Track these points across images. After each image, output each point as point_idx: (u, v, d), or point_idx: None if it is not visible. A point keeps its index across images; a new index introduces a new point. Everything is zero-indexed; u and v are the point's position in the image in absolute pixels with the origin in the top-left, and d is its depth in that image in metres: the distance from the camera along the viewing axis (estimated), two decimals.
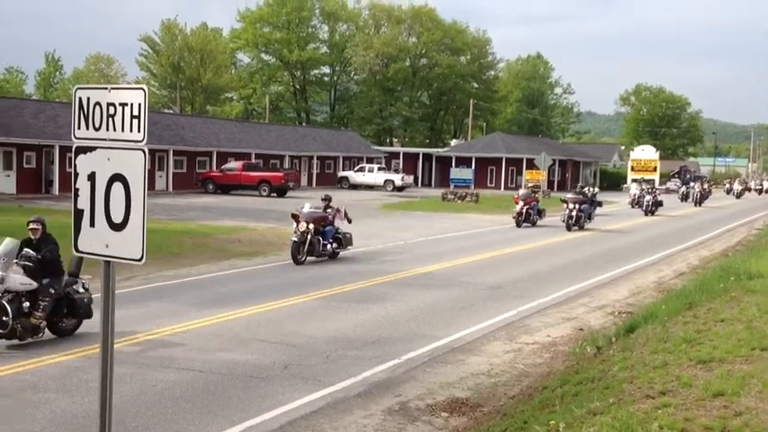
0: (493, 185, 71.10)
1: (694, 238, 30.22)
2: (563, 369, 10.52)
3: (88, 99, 5.21)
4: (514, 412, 8.46)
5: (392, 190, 61.57)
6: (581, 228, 31.65)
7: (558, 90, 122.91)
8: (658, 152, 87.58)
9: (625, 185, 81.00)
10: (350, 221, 22.22)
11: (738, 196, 67.10)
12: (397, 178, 63.81)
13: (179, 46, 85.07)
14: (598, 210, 36.91)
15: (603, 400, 7.44)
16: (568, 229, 31.09)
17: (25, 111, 45.97)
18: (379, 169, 66.39)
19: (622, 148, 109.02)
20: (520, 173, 69.24)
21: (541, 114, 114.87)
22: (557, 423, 6.97)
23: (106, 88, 5.17)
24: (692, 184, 55.39)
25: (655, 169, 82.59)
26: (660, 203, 43.01)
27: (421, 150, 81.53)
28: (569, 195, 33.61)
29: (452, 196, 50.11)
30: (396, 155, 79.49)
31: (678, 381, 7.63)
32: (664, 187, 71.32)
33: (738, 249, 24.85)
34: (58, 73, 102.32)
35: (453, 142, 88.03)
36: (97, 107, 5.16)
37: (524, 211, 32.66)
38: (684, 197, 59.17)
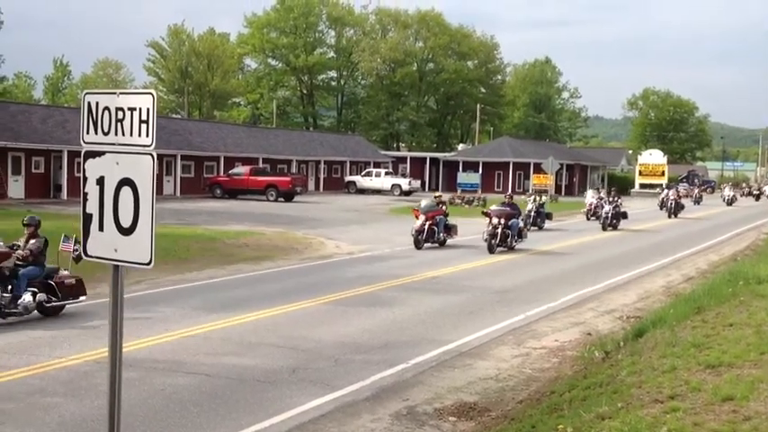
0: (500, 190, 70.85)
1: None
2: (571, 374, 10.50)
3: (97, 104, 5.23)
4: (522, 417, 8.44)
5: (399, 194, 61.56)
6: (509, 248, 24.73)
7: (565, 94, 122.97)
8: (666, 156, 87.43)
9: (633, 190, 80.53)
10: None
11: (730, 203, 61.09)
12: (405, 183, 63.82)
13: (186, 51, 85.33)
14: (547, 223, 33.78)
15: (612, 404, 7.42)
16: (490, 250, 23.99)
17: (33, 116, 46.17)
18: (387, 174, 66.40)
19: (630, 152, 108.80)
20: (527, 177, 69.17)
21: (549, 119, 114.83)
22: (565, 427, 6.96)
23: (115, 93, 5.19)
24: (666, 190, 45.97)
25: (663, 174, 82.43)
26: (623, 215, 35.26)
27: (428, 155, 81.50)
28: (493, 207, 26.66)
29: (459, 201, 50.08)
30: (403, 159, 79.52)
31: (687, 385, 7.60)
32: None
33: (747, 254, 24.76)
34: (66, 78, 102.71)
35: (460, 147, 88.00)
36: (106, 112, 5.18)
37: (426, 227, 25.01)
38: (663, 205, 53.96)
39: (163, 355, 11.03)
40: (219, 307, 14.58)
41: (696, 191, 63.66)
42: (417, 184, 66.53)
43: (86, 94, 5.33)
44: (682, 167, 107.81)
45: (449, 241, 26.30)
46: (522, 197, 35.88)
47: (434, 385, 10.19)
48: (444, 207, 27.18)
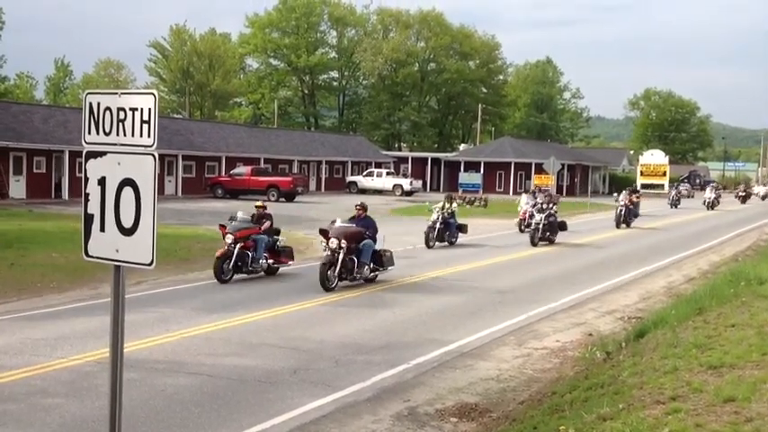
0: (502, 190, 71.04)
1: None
2: (572, 374, 10.49)
3: (98, 104, 5.23)
4: (524, 417, 8.43)
5: (401, 195, 61.57)
6: (364, 279, 17.49)
7: (566, 95, 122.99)
8: (668, 157, 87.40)
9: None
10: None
11: (711, 207, 54.67)
12: (406, 183, 63.83)
13: (188, 51, 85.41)
14: (461, 237, 27.01)
15: (613, 405, 7.41)
16: (324, 285, 16.22)
17: (35, 116, 46.21)
18: (388, 174, 66.41)
19: (631, 152, 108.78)
20: (529, 177, 69.13)
21: (550, 119, 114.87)
22: (566, 428, 6.95)
23: (116, 93, 5.19)
24: (619, 195, 37.55)
25: (664, 174, 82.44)
26: (560, 226, 27.78)
27: (429, 155, 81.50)
28: (338, 223, 17.72)
29: (461, 201, 50.05)
30: (404, 159, 79.54)
31: (688, 386, 7.59)
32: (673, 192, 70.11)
33: (749, 254, 24.73)
34: (67, 78, 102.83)
35: (462, 147, 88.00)
36: (107, 112, 5.18)
37: (234, 250, 17.33)
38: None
39: (164, 356, 11.03)
40: (221, 307, 14.58)
41: (673, 193, 57.84)
42: (419, 184, 66.53)
43: (88, 94, 5.33)
44: (683, 168, 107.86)
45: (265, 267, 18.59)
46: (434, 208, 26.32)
47: (435, 386, 10.18)
48: (265, 223, 19.13)
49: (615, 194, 39.35)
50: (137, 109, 5.08)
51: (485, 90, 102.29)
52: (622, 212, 35.65)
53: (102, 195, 5.24)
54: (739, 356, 8.44)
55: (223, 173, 53.89)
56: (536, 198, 30.33)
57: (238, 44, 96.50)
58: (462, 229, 26.90)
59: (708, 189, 58.75)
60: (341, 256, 16.48)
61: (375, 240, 17.79)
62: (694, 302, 13.10)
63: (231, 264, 17.43)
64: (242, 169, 52.40)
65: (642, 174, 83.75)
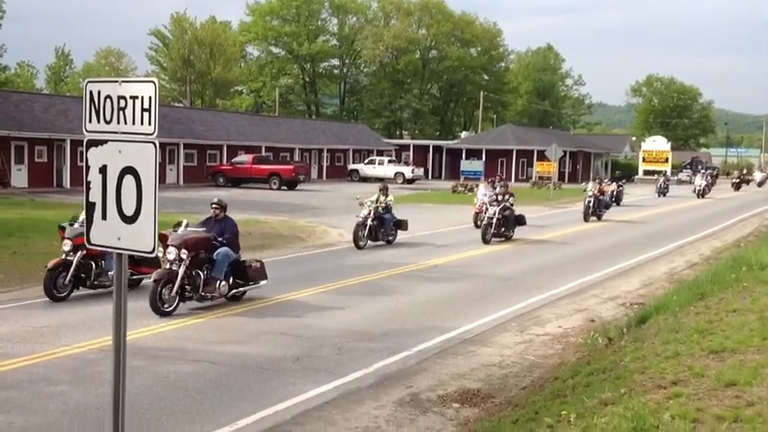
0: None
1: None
2: (574, 360, 10.51)
3: (99, 92, 5.22)
4: (526, 403, 8.46)
5: (402, 182, 61.55)
6: (200, 299, 13.50)
7: (568, 81, 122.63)
8: (670, 143, 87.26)
9: (637, 177, 79.88)
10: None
11: (702, 195, 50.84)
12: (408, 171, 63.79)
13: (189, 39, 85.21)
14: (401, 234, 23.45)
15: (615, 390, 7.43)
16: (156, 308, 12.69)
17: (36, 105, 46.19)
18: (390, 162, 66.38)
19: (634, 139, 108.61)
20: (530, 165, 69.07)
21: (552, 106, 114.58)
22: (568, 413, 6.97)
23: (117, 81, 5.19)
24: (587, 184, 33.95)
25: (666, 160, 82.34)
26: (518, 220, 24.77)
27: (431, 143, 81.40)
28: (180, 229, 14.10)
29: (462, 188, 50.07)
30: (406, 147, 79.45)
31: (690, 371, 7.61)
32: (675, 178, 70.04)
33: (751, 240, 24.73)
34: (68, 67, 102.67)
35: (463, 134, 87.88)
36: (108, 100, 5.17)
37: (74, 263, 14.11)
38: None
39: (167, 343, 11.06)
40: None
41: (660, 180, 53.49)
42: (420, 172, 66.49)
43: (88, 82, 5.32)
44: (685, 154, 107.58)
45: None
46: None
47: (438, 372, 10.21)
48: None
49: (583, 183, 35.87)
50: (137, 97, 5.07)
51: (486, 77, 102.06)
52: (591, 204, 31.77)
53: (103, 183, 5.24)
54: (741, 341, 8.46)
55: (224, 161, 53.86)
56: (495, 188, 26.43)
57: (239, 32, 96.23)
58: (401, 225, 23.20)
59: (698, 176, 54.46)
60: (181, 271, 12.97)
61: (237, 247, 14.19)
62: (696, 288, 13.10)
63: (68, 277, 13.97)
64: (243, 158, 52.38)
65: (644, 160, 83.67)
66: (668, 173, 59.90)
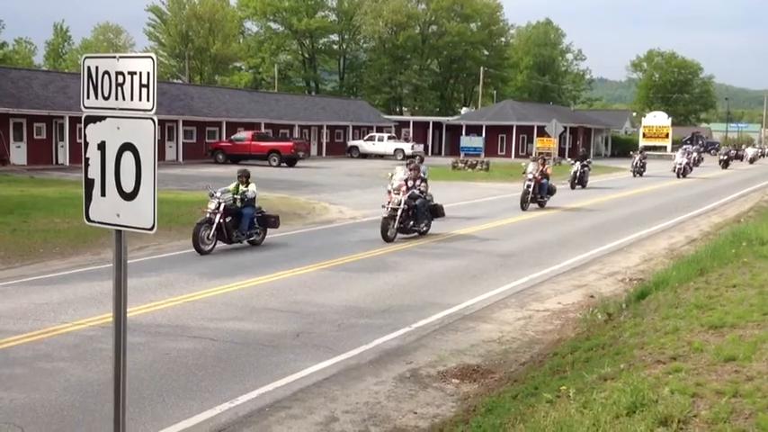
0: (503, 153, 70.87)
1: None
2: (574, 336, 10.54)
3: (97, 68, 5.18)
4: (525, 378, 8.49)
5: (402, 159, 61.39)
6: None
7: (569, 56, 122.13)
8: (670, 118, 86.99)
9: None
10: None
11: (683, 174, 45.89)
12: (407, 147, 63.63)
13: (187, 15, 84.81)
14: (271, 233, 18.86)
15: (614, 365, 7.46)
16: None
17: (34, 81, 45.98)
18: (389, 138, 66.22)
19: (634, 114, 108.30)
20: (531, 141, 68.86)
21: (552, 81, 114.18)
22: (567, 389, 7.00)
23: (114, 57, 5.15)
24: (529, 164, 28.05)
25: (667, 136, 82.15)
26: (435, 212, 20.69)
27: (431, 119, 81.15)
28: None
29: (463, 165, 49.98)
30: (405, 123, 79.24)
31: (689, 346, 7.63)
32: (674, 154, 69.27)
33: (751, 215, 24.73)
34: (66, 43, 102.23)
35: (463, 110, 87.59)
36: (106, 76, 5.14)
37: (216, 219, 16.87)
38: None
39: (167, 320, 11.09)
40: (223, 272, 14.63)
41: (636, 158, 47.83)
42: (420, 148, 66.30)
43: (86, 58, 5.27)
44: (686, 129, 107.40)
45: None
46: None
47: (438, 348, 10.24)
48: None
49: (523, 162, 28.93)
50: (135, 73, 5.03)
51: (486, 53, 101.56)
52: (530, 189, 26.72)
53: (102, 160, 5.21)
54: (740, 316, 8.47)
55: (224, 138, 53.74)
56: (409, 166, 22.02)
57: (237, 7, 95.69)
58: (269, 222, 18.55)
59: (678, 153, 48.43)
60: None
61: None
62: (696, 263, 13.12)
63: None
64: (243, 134, 52.23)
65: (645, 136, 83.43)
66: (642, 149, 52.36)
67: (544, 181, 27.04)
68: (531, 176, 26.91)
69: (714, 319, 8.51)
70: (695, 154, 55.88)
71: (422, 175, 20.65)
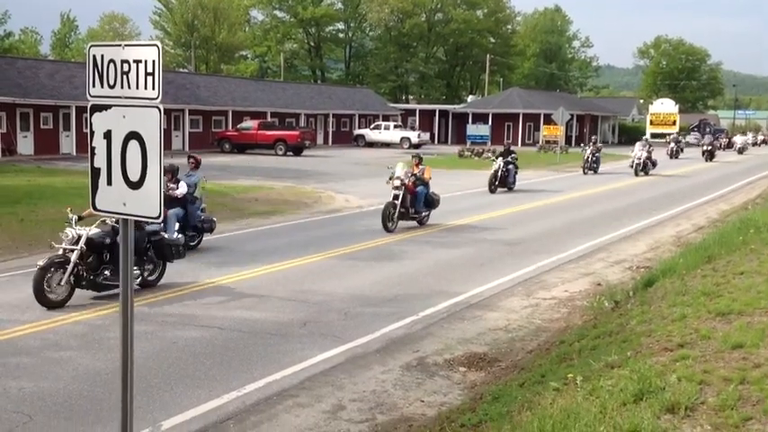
0: (510, 142, 70.64)
1: None
2: (580, 323, 10.54)
3: (102, 56, 5.17)
4: (532, 366, 8.49)
5: (408, 147, 61.26)
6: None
7: (576, 44, 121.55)
8: (678, 105, 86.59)
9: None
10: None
11: (643, 170, 37.66)
12: (414, 135, 63.49)
13: (192, 4, 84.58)
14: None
15: (621, 353, 7.45)
16: None
17: (41, 71, 45.96)
18: (395, 127, 66.05)
19: (641, 101, 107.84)
20: (537, 128, 68.75)
21: (559, 69, 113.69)
22: (574, 376, 7.00)
23: (120, 45, 5.14)
24: (397, 168, 19.98)
25: (674, 123, 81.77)
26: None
27: (437, 107, 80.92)
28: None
29: (469, 153, 49.93)
30: (412, 112, 79.03)
31: (697, 333, 7.62)
32: (685, 141, 68.58)
33: (758, 203, 24.64)
34: (73, 33, 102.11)
35: (470, 98, 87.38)
36: (111, 64, 5.12)
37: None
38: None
39: (175, 309, 11.12)
40: (229, 261, 14.65)
41: (588, 151, 39.74)
42: (426, 136, 66.20)
43: (91, 46, 5.26)
44: (693, 116, 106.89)
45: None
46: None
47: (444, 337, 10.25)
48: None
49: (391, 170, 20.05)
50: (141, 61, 5.02)
51: (493, 40, 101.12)
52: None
53: (108, 149, 5.21)
54: (748, 303, 8.45)
55: (230, 127, 53.72)
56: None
57: None
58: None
59: (637, 145, 39.43)
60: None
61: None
62: (703, 251, 13.09)
63: None
64: (249, 123, 52.18)
65: (652, 123, 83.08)
66: (594, 140, 41.98)
67: (420, 189, 19.47)
68: (398, 183, 18.98)
69: (721, 306, 8.49)
70: (673, 144, 53.77)
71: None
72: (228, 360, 9.00)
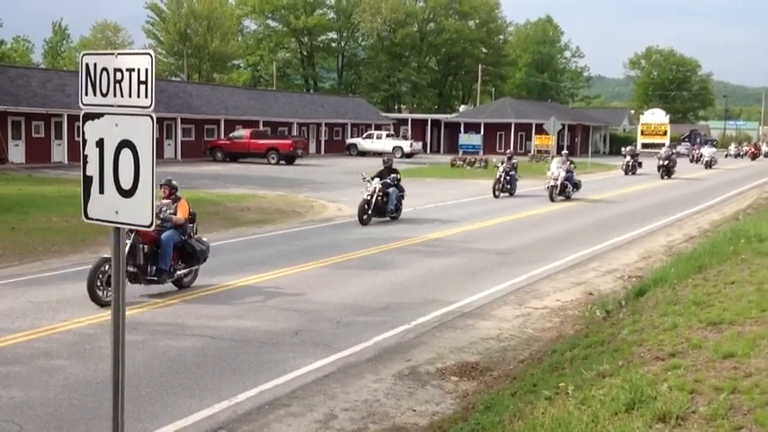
0: (502, 151, 70.44)
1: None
2: (572, 333, 10.54)
3: (95, 65, 5.18)
4: (524, 376, 8.49)
5: (401, 157, 61.36)
6: None
7: (567, 54, 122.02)
8: (668, 116, 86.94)
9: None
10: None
11: (561, 193, 29.08)
12: (406, 145, 63.60)
13: (185, 13, 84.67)
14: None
15: (613, 362, 7.46)
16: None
17: (33, 80, 45.91)
18: (388, 136, 66.14)
19: (632, 112, 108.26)
20: (529, 138, 68.93)
21: (551, 79, 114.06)
22: (566, 386, 7.00)
23: (113, 54, 5.14)
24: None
25: (665, 133, 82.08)
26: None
27: (429, 116, 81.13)
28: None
29: (461, 162, 50.00)
30: (404, 121, 79.22)
31: (688, 343, 7.64)
32: (675, 151, 68.81)
33: (749, 212, 24.74)
34: (65, 41, 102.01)
35: (462, 108, 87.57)
36: (104, 73, 5.13)
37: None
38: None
39: (166, 318, 11.08)
40: (221, 270, 14.61)
41: (501, 170, 30.74)
42: (419, 146, 66.31)
43: (84, 55, 5.27)
44: (684, 127, 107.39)
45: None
46: None
47: (436, 345, 10.24)
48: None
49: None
50: (133, 69, 5.02)
51: (485, 50, 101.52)
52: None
53: (100, 157, 5.21)
54: (739, 313, 8.47)
55: (222, 136, 53.70)
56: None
57: (236, 5, 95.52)
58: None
59: (554, 162, 30.58)
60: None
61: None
62: (694, 260, 13.12)
63: None
64: (241, 132, 52.20)
65: (643, 133, 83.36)
66: (511, 154, 34.00)
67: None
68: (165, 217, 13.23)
69: (712, 315, 8.51)
70: (629, 158, 45.97)
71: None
72: (220, 369, 8.98)
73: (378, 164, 23.68)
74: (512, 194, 30.87)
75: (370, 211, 21.32)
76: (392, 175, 22.62)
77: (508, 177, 30.97)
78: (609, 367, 7.30)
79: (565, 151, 34.67)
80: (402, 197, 22.82)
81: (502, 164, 31.39)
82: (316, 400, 8.17)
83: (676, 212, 25.72)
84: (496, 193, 30.40)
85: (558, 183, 29.05)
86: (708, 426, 5.67)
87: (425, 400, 8.24)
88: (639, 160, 47.53)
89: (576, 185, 30.03)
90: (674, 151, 47.72)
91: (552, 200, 28.62)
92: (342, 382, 8.71)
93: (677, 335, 8.00)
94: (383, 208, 21.79)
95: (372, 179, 21.85)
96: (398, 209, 22.60)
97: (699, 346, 7.48)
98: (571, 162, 30.73)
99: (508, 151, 37.43)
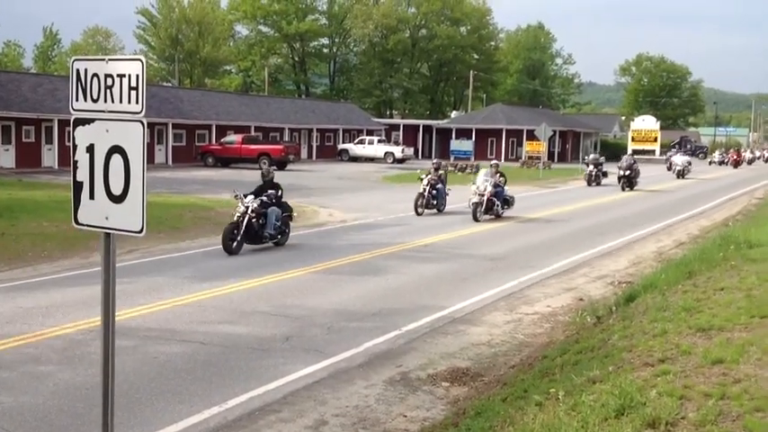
0: (493, 157, 70.65)
1: None
2: (563, 339, 10.57)
3: (86, 70, 5.17)
4: (515, 381, 8.50)
5: (392, 162, 61.47)
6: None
7: (558, 60, 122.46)
8: (659, 122, 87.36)
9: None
10: None
11: (488, 211, 24.78)
12: (398, 150, 63.68)
13: (177, 18, 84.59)
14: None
15: (603, 368, 7.48)
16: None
17: (23, 84, 45.80)
18: (379, 141, 66.24)
19: (623, 118, 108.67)
20: (520, 144, 69.06)
21: (542, 85, 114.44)
22: (557, 391, 7.01)
23: (104, 59, 5.14)
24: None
25: (655, 140, 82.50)
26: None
27: (421, 122, 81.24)
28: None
29: (452, 168, 50.06)
30: (396, 127, 79.29)
31: (677, 349, 7.66)
32: (664, 157, 69.12)
33: (739, 219, 24.85)
34: (56, 46, 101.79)
35: (453, 114, 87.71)
36: (95, 78, 5.12)
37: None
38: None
39: (156, 324, 11.05)
40: (213, 276, 14.60)
41: (426, 179, 26.20)
42: (410, 151, 66.40)
43: (75, 60, 5.26)
44: (675, 133, 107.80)
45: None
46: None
47: (427, 351, 10.25)
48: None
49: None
50: (124, 75, 5.01)
51: (476, 56, 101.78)
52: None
53: (90, 163, 5.19)
54: (728, 319, 8.51)
55: (214, 141, 53.62)
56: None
57: (227, 10, 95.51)
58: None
59: (480, 175, 26.37)
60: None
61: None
62: (684, 266, 13.17)
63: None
64: (233, 137, 52.15)
65: (633, 139, 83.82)
66: (440, 163, 29.41)
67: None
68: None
69: (702, 321, 8.55)
70: (592, 168, 42.17)
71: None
72: (210, 375, 8.96)
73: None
74: (440, 211, 26.24)
75: (239, 238, 17.29)
76: (270, 192, 18.66)
77: (434, 191, 26.14)
78: (599, 373, 7.32)
79: (494, 161, 29.97)
80: (290, 217, 19.15)
81: (427, 175, 26.35)
82: (306, 405, 8.16)
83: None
84: (419, 210, 25.40)
85: (484, 199, 24.58)
86: None
87: (416, 406, 8.24)
88: (604, 170, 42.70)
89: (507, 202, 25.78)
90: (635, 159, 42.42)
91: (476, 219, 24.17)
92: (333, 388, 8.71)
93: (667, 341, 8.03)
94: (258, 232, 17.71)
95: (246, 196, 18.11)
96: (284, 232, 18.62)
97: (688, 352, 7.51)
98: (501, 174, 25.99)
99: (435, 161, 29.82)
